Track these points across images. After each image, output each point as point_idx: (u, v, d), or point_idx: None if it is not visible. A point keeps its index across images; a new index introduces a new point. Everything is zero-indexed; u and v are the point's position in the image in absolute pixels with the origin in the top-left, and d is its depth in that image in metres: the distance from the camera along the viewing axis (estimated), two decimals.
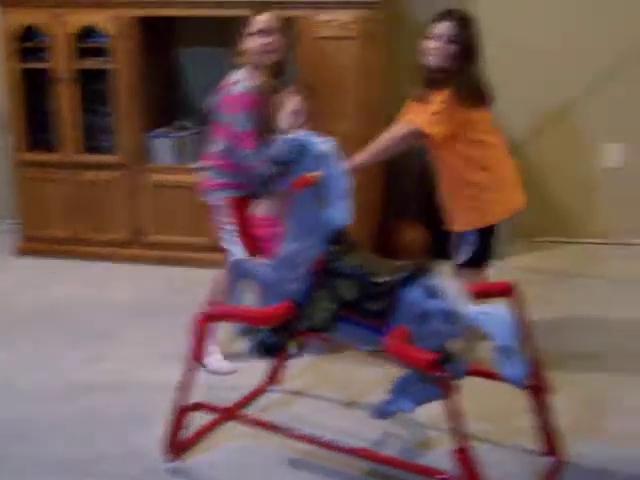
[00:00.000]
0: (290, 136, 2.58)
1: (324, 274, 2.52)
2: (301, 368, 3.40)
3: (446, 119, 3.13)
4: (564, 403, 3.07)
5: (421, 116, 3.16)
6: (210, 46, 4.77)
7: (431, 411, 2.56)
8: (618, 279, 4.44)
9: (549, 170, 4.89)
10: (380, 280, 2.42)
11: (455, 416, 2.26)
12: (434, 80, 3.18)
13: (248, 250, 3.26)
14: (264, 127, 3.14)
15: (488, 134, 3.28)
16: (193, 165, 4.31)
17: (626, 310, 4.02)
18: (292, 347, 3.19)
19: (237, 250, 3.27)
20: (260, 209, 3.08)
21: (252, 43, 3.29)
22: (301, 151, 2.54)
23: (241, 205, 3.24)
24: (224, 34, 4.65)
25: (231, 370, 3.42)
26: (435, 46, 3.17)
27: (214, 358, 3.43)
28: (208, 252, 4.36)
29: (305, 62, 4.21)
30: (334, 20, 4.16)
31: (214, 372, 3.37)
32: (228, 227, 3.34)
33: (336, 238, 2.54)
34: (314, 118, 3.07)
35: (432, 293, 2.38)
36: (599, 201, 4.92)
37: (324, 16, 4.16)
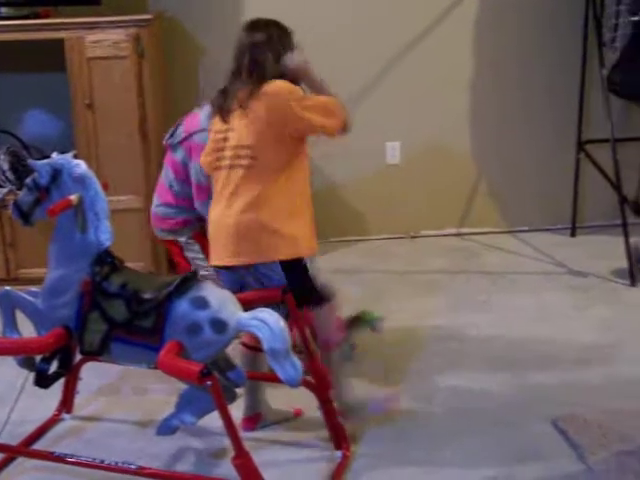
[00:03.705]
0: (44, 161, 2.54)
1: (93, 296, 2.50)
2: (93, 392, 3.36)
3: None
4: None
5: None
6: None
7: None
8: (404, 271, 4.64)
9: (339, 170, 5.03)
10: (147, 296, 2.43)
11: (229, 423, 2.30)
12: None
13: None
14: None
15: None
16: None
17: (413, 301, 4.21)
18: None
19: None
20: None
21: None
22: (56, 175, 2.52)
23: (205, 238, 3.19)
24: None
25: None
26: None
27: None
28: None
29: (78, 84, 4.15)
30: (105, 40, 4.12)
31: None
32: (201, 261, 3.32)
33: (101, 259, 2.53)
34: None
35: (199, 304, 2.40)
36: (386, 198, 5.12)
37: (94, 36, 4.11)
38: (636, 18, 4.31)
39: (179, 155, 3.33)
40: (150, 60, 4.20)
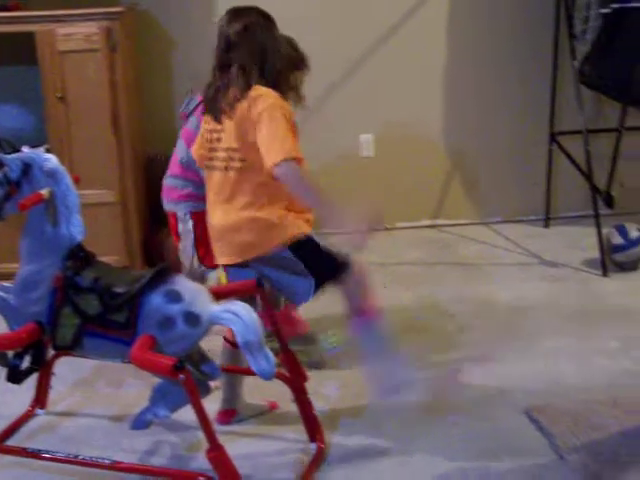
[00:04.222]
0: (15, 155, 2.53)
1: (65, 291, 2.49)
2: (67, 387, 3.35)
3: None
4: (323, 388, 3.20)
5: None
6: None
7: None
8: (379, 263, 4.64)
9: (313, 163, 5.01)
10: (120, 290, 2.43)
11: (203, 417, 2.30)
12: None
13: (206, 265, 3.36)
14: None
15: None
16: None
17: (388, 292, 4.21)
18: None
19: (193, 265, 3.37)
20: None
21: None
22: (27, 169, 2.50)
23: (202, 219, 3.12)
24: None
25: None
26: None
27: None
28: None
29: (50, 77, 4.13)
30: (77, 33, 4.10)
31: None
32: (188, 241, 3.34)
33: (73, 253, 2.52)
34: None
35: (173, 297, 2.40)
36: (360, 190, 5.12)
37: (66, 29, 4.09)
38: (607, 10, 4.34)
39: (193, 122, 3.32)
40: (123, 53, 4.19)
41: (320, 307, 3.61)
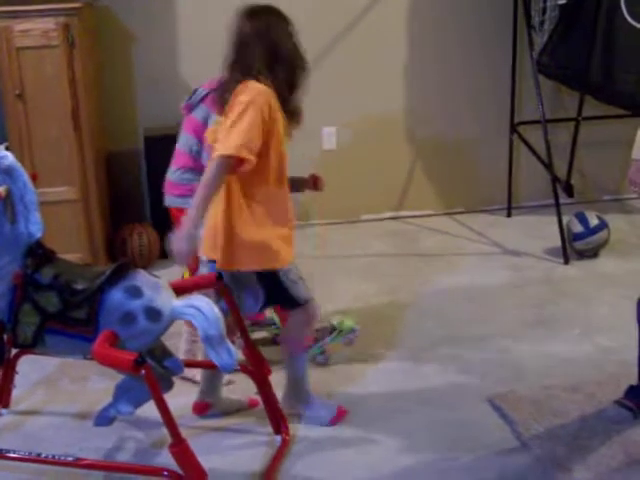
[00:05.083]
0: None
1: (25, 288, 2.48)
2: (31, 386, 3.33)
3: None
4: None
5: None
6: None
7: None
8: (343, 256, 4.67)
9: None
10: (80, 287, 2.42)
11: (165, 411, 2.30)
12: None
13: None
14: None
15: None
16: None
17: (351, 284, 4.25)
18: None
19: None
20: None
21: None
22: None
23: None
24: None
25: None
26: None
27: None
28: None
29: (7, 74, 4.08)
30: (34, 29, 4.06)
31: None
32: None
33: (32, 251, 2.51)
34: None
35: (133, 293, 2.40)
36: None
37: (22, 25, 4.04)
38: (563, 1, 4.39)
39: (200, 114, 3.21)
40: (81, 49, 4.14)
41: None
